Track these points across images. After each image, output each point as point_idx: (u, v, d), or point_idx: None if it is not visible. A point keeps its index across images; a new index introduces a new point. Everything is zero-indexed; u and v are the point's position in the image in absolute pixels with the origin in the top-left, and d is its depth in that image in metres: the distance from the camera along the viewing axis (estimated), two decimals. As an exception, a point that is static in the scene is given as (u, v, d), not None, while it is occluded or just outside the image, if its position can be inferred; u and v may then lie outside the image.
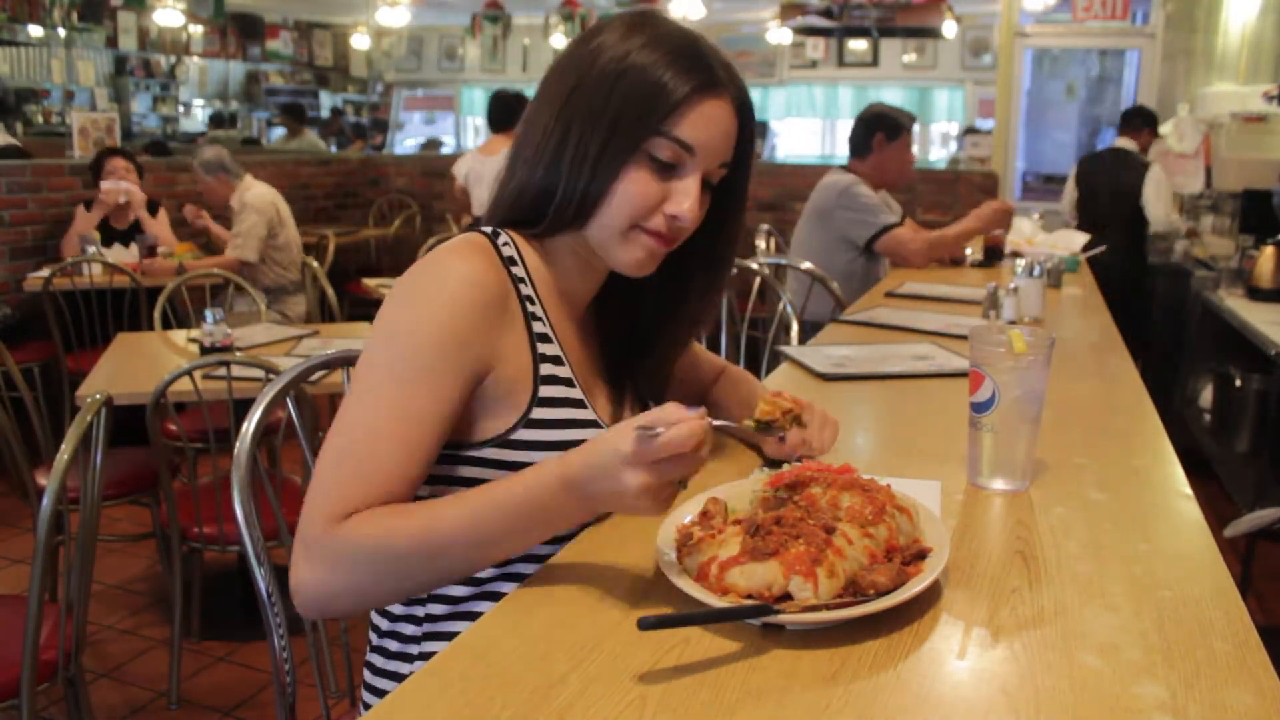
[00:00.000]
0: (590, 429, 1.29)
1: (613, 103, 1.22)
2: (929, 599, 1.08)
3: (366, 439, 1.13)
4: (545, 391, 1.27)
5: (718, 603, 1.02)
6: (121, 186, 5.13)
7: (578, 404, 1.30)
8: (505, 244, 1.30)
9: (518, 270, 1.29)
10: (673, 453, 1.01)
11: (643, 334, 1.44)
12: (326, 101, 14.98)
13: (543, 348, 1.29)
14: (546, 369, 1.28)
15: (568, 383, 1.30)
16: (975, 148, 7.71)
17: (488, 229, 1.31)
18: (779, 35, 11.15)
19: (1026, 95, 8.09)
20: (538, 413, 1.26)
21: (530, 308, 1.29)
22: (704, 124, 1.24)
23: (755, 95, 13.97)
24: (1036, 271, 2.86)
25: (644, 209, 1.25)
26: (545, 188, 1.28)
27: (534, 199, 1.29)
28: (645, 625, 0.95)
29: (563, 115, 1.25)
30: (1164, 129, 6.42)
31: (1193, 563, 1.21)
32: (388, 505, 1.12)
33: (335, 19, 14.33)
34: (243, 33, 13.43)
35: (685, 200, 1.25)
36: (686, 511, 1.22)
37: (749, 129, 1.31)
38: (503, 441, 1.25)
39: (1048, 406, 1.43)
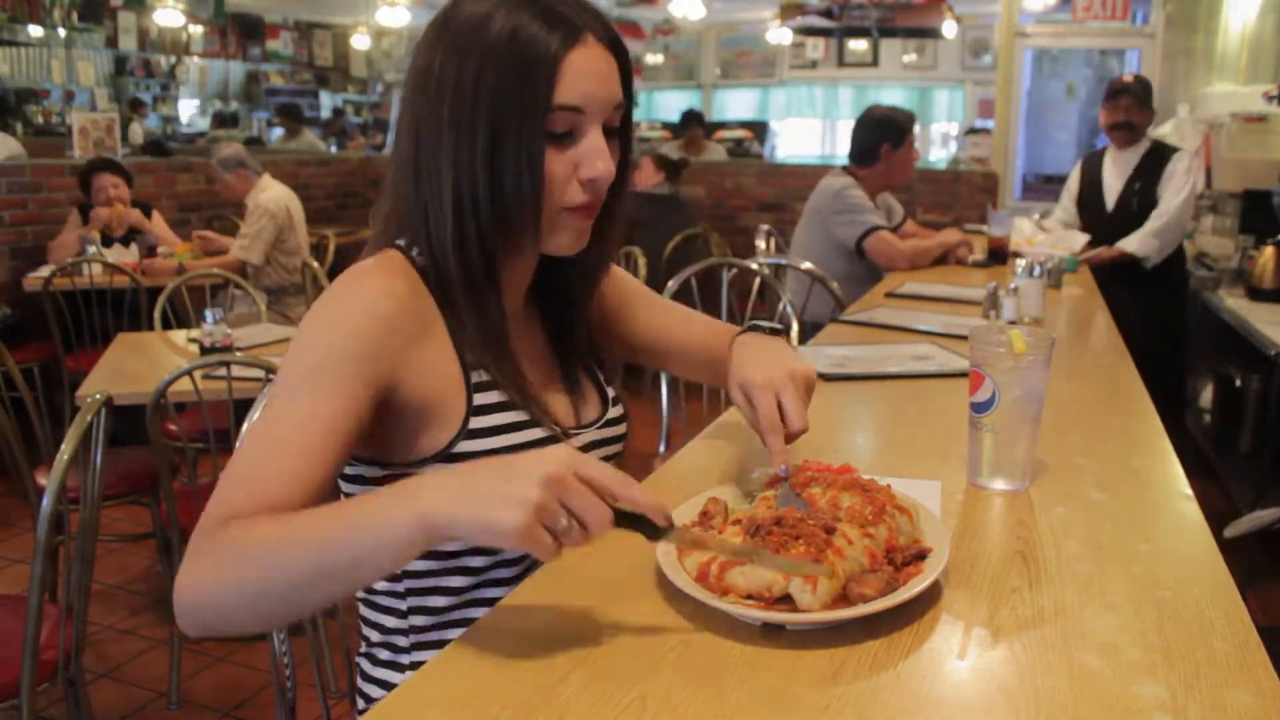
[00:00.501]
0: (533, 429, 1.26)
1: (487, 100, 1.14)
2: (929, 599, 1.08)
3: (260, 447, 1.07)
4: (480, 399, 1.24)
5: (718, 603, 1.02)
6: (103, 214, 5.13)
7: (516, 406, 1.26)
8: (421, 254, 1.25)
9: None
10: (599, 481, 0.92)
11: (572, 300, 1.40)
12: (327, 102, 14.98)
13: (475, 374, 1.25)
14: (478, 376, 1.24)
15: (506, 406, 1.26)
16: (975, 148, 7.71)
17: (401, 241, 1.26)
18: (779, 35, 11.16)
19: (1026, 95, 8.08)
20: (475, 422, 1.23)
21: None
22: (582, 78, 1.15)
23: (755, 95, 13.90)
24: (1036, 272, 2.86)
25: (561, 187, 1.19)
26: (453, 203, 1.20)
27: (446, 218, 1.21)
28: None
29: (448, 129, 1.18)
30: (1164, 129, 6.42)
31: (1193, 563, 1.21)
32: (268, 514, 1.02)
33: (335, 19, 14.33)
34: (243, 33, 13.44)
35: (597, 160, 1.18)
36: (687, 512, 1.22)
37: (625, 63, 1.22)
38: (445, 456, 1.22)
39: (1048, 406, 1.43)
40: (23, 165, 5.57)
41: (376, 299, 1.15)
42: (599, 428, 1.39)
